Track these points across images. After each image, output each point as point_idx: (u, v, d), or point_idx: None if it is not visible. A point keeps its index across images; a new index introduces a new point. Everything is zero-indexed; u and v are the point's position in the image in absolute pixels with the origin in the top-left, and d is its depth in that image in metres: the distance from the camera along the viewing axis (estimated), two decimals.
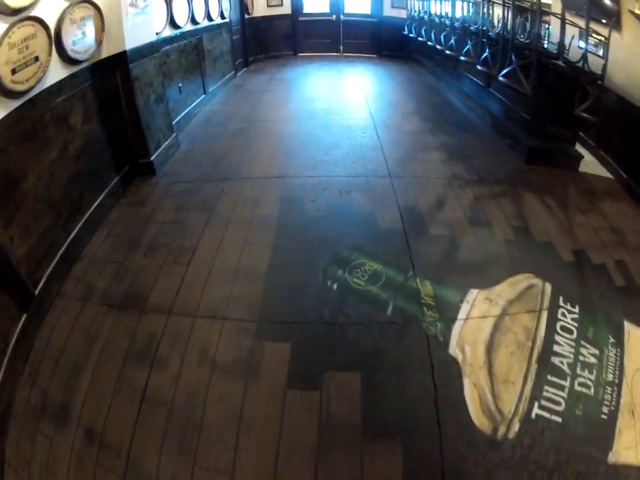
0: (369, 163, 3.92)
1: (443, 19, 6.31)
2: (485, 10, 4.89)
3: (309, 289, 2.47)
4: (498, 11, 4.85)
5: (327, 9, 9.33)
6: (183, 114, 5.15)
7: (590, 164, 3.99)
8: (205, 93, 6.04)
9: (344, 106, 5.67)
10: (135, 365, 2.07)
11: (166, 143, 4.19)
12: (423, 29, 7.45)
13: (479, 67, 4.86)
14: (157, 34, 4.28)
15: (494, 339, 2.17)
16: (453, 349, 2.13)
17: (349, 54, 9.45)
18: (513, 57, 4.20)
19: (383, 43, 9.28)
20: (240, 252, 2.78)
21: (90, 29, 3.12)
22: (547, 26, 4.91)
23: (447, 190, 3.48)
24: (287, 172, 3.78)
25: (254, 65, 8.70)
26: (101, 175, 3.33)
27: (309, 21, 9.33)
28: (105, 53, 3.36)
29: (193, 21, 5.49)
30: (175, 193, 3.55)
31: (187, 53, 5.35)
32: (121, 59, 3.45)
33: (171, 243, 2.85)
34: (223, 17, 6.78)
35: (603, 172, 3.89)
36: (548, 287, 2.44)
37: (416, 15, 8.10)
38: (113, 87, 3.47)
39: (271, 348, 2.13)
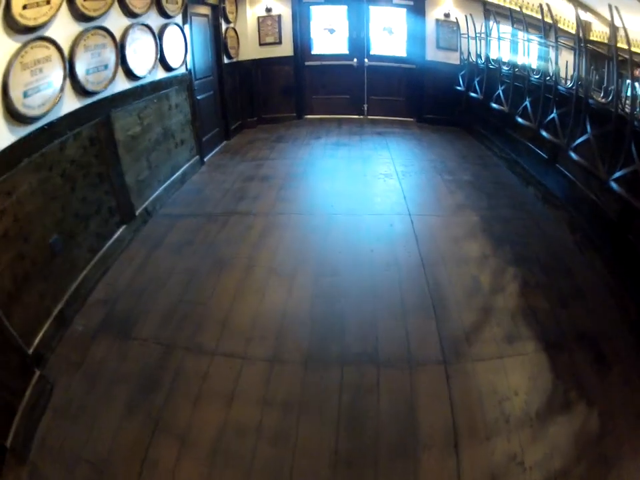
0: None
1: (553, 80, 3.39)
2: None
3: None
4: None
5: (344, 50, 6.57)
6: (65, 298, 2.46)
7: None
8: (125, 222, 3.24)
9: (381, 306, 2.56)
10: None
11: (21, 408, 1.86)
12: (500, 89, 4.58)
13: None
14: None
15: None
16: None
17: (375, 117, 6.62)
18: None
19: (424, 101, 6.44)
20: None
21: None
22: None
23: None
24: None
25: (238, 137, 5.89)
26: None
27: (320, 67, 6.56)
28: None
29: (80, 90, 2.70)
30: None
31: (66, 164, 2.56)
32: None
33: None
34: (168, 67, 3.99)
35: None
36: None
37: (480, 62, 5.28)
38: None
39: None
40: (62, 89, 2.48)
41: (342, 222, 3.41)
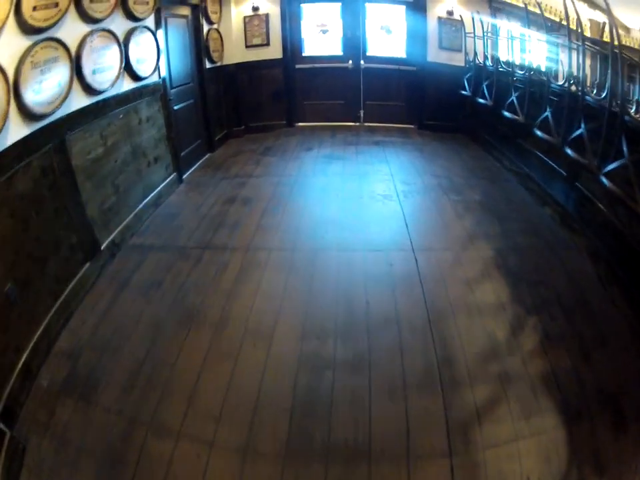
0: None
1: (580, 89, 2.92)
2: None
3: None
4: None
5: (339, 51, 6.07)
6: (28, 350, 2.10)
7: None
8: (89, 259, 2.81)
9: None
10: None
11: None
12: (514, 96, 4.10)
13: None
14: None
15: None
16: None
17: (373, 124, 6.12)
18: None
19: (425, 107, 5.96)
20: None
21: None
22: None
23: None
24: None
25: (223, 148, 5.42)
26: None
27: (312, 70, 6.06)
28: None
29: (28, 114, 2.26)
30: None
31: (15, 202, 2.13)
32: None
33: None
34: (136, 77, 3.51)
35: None
36: None
37: (489, 64, 4.84)
38: None
39: None
40: (6, 117, 2.03)
41: (332, 262, 2.90)
